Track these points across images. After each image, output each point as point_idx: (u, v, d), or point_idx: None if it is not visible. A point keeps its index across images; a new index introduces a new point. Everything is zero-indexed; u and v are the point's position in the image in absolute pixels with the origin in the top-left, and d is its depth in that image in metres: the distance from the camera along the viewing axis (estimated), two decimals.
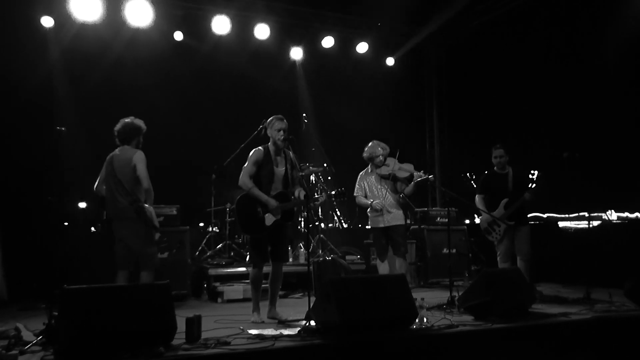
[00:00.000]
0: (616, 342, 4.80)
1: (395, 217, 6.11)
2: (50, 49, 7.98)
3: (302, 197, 5.06)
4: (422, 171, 6.15)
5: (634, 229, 8.21)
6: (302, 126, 7.74)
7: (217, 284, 6.64)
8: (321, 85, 9.73)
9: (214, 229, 7.69)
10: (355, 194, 6.29)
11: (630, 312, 5.30)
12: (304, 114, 7.67)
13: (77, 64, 8.12)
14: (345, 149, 9.32)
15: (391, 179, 6.08)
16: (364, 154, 6.27)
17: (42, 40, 7.94)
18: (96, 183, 5.30)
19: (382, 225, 6.10)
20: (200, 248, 7.60)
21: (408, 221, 7.96)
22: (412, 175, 6.06)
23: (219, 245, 7.54)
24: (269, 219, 5.01)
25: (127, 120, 5.31)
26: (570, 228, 9.24)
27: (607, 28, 8.14)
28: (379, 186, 6.16)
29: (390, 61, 10.50)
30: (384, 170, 6.13)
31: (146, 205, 5.12)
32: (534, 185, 6.30)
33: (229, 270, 6.88)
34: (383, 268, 6.06)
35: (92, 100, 8.00)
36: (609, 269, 6.77)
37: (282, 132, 5.06)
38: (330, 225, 9.25)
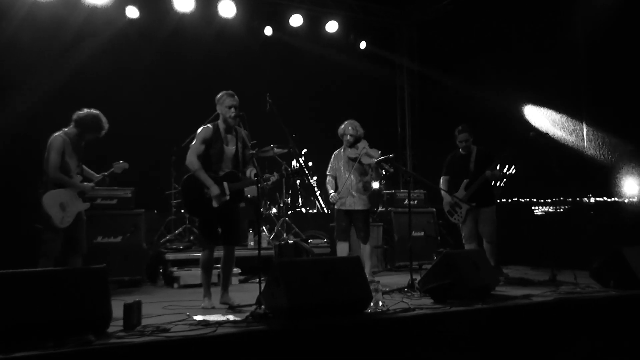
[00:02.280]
0: (578, 323, 4.68)
1: (358, 202, 6.02)
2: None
3: (252, 177, 4.84)
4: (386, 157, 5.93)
5: (602, 211, 8.14)
6: (266, 106, 7.45)
7: (174, 268, 6.41)
8: (289, 65, 9.45)
9: (172, 213, 7.42)
10: (327, 173, 6.22)
11: (594, 293, 5.20)
12: (267, 94, 7.38)
13: (31, 43, 7.72)
14: (313, 130, 9.11)
15: (357, 163, 5.91)
16: (338, 131, 6.17)
17: None
18: None
19: (344, 208, 6.04)
20: (159, 232, 7.35)
21: (377, 208, 7.86)
22: (376, 162, 5.86)
23: (179, 229, 7.29)
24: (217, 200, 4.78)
25: (95, 112, 5.18)
26: (537, 212, 9.14)
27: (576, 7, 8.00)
28: (346, 167, 6.05)
29: (362, 44, 10.25)
30: (352, 153, 6.00)
31: (46, 194, 4.95)
32: (496, 162, 6.16)
33: (186, 254, 6.65)
34: (341, 248, 6.00)
35: (47, 82, 7.59)
36: (576, 251, 6.69)
37: (232, 109, 4.81)
38: (313, 210, 9.07)
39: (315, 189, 8.98)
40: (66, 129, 5.14)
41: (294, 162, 8.05)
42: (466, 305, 4.48)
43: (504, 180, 6.42)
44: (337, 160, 6.18)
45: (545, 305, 4.76)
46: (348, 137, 6.03)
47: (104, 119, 5.18)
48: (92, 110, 5.18)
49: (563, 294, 5.12)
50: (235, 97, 4.88)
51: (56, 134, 5.09)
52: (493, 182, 6.34)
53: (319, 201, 9.03)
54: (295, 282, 3.98)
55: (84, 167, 5.33)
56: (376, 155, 5.89)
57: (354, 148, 6.02)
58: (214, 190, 4.74)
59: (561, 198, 8.07)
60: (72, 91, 7.64)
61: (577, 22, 8.02)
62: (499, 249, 6.31)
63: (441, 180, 6.58)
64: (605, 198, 8.37)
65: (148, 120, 7.92)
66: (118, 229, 6.29)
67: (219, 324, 3.83)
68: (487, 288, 5.12)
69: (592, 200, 8.77)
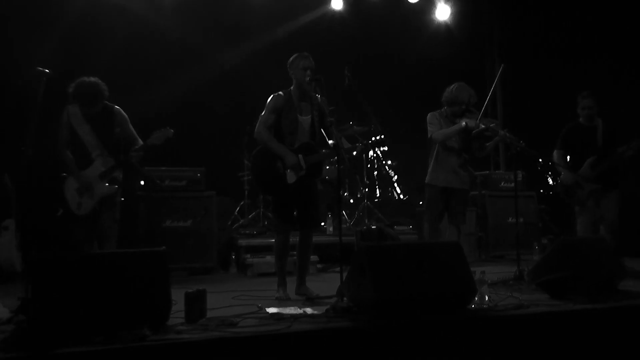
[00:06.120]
0: None
1: (460, 179, 5.04)
2: None
3: (342, 145, 4.14)
4: (506, 130, 5.02)
5: None
6: (344, 81, 6.82)
7: (248, 255, 5.93)
8: (366, 39, 8.73)
9: (245, 197, 6.93)
10: (431, 133, 5.05)
11: None
12: (346, 67, 6.73)
13: (103, 14, 7.36)
14: (391, 110, 8.36)
15: (475, 134, 4.94)
16: (445, 94, 5.10)
17: None
18: None
19: (442, 184, 5.03)
20: (232, 217, 6.91)
21: None
22: (497, 136, 4.95)
23: (252, 214, 6.81)
24: (292, 176, 4.19)
25: (88, 81, 4.61)
26: None
27: None
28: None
29: (443, 13, 9.32)
30: (472, 121, 4.90)
31: (69, 177, 4.59)
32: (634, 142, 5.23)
33: (260, 240, 6.14)
34: (435, 233, 5.10)
35: (118, 51, 7.23)
36: None
37: (308, 72, 4.21)
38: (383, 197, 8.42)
39: (394, 177, 8.30)
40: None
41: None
42: (593, 303, 3.66)
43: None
44: (440, 123, 5.08)
45: None
46: (463, 106, 5.02)
47: (100, 87, 4.59)
48: (86, 78, 4.61)
49: None
50: (310, 58, 4.29)
51: None
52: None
53: (396, 191, 8.37)
54: (385, 270, 3.35)
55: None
56: (498, 130, 4.93)
57: (465, 118, 4.99)
58: (290, 159, 4.17)
59: None
60: (136, 63, 7.20)
61: None
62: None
63: (555, 155, 5.70)
64: None
65: (217, 96, 7.48)
66: (188, 212, 5.87)
67: (294, 318, 3.27)
68: (613, 282, 4.25)
69: None
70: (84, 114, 4.63)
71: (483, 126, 4.92)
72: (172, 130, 4.63)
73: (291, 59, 4.33)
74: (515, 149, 4.98)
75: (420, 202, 7.55)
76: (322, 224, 6.73)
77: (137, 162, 4.77)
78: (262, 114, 4.30)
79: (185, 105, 7.26)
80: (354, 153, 4.36)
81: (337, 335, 3.00)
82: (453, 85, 5.13)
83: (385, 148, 7.86)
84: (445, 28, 9.34)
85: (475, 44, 9.93)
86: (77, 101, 4.60)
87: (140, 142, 4.76)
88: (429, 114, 5.18)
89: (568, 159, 5.67)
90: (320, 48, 7.89)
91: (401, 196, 8.44)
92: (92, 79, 4.60)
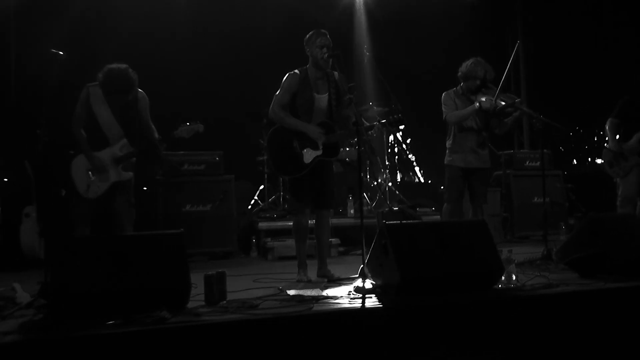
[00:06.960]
0: None
1: (481, 159, 4.95)
2: None
3: (362, 123, 4.04)
4: (525, 105, 4.95)
5: None
6: (363, 60, 6.72)
7: (268, 239, 5.88)
8: (383, 22, 8.52)
9: (265, 181, 6.85)
10: (445, 114, 4.95)
11: None
12: (365, 46, 6.63)
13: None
14: (411, 90, 8.18)
15: (492, 112, 4.78)
16: (461, 69, 4.98)
17: None
18: None
19: (462, 164, 4.93)
20: (252, 201, 6.86)
21: None
22: (515, 108, 4.79)
23: (272, 197, 6.74)
24: (308, 155, 4.10)
25: (121, 67, 4.29)
26: None
27: None
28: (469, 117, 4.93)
29: None
30: (486, 101, 4.73)
31: (78, 156, 4.38)
32: None
33: (281, 224, 6.06)
34: (453, 212, 4.99)
35: (130, 32, 7.13)
36: None
37: (325, 49, 4.09)
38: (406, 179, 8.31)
39: (414, 162, 8.19)
40: None
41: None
42: (625, 281, 3.53)
43: None
44: (455, 103, 4.98)
45: None
46: (478, 82, 4.88)
47: (131, 76, 4.25)
48: (115, 67, 4.24)
49: None
50: (327, 35, 4.17)
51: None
52: None
53: (417, 175, 8.26)
54: (409, 249, 3.27)
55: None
56: (514, 99, 4.79)
57: (481, 94, 4.84)
58: (312, 130, 4.07)
59: None
60: (151, 45, 7.07)
61: None
62: None
63: (608, 122, 5.51)
64: None
65: (235, 81, 7.38)
66: (207, 196, 5.83)
67: (315, 299, 3.20)
68: None
69: None
70: (109, 98, 4.35)
71: (502, 103, 4.77)
72: (202, 125, 4.41)
73: (307, 36, 4.22)
74: (538, 125, 4.83)
75: (442, 187, 7.43)
76: (345, 208, 6.66)
77: (162, 153, 4.67)
78: (277, 93, 4.21)
79: (202, 88, 7.18)
80: (371, 132, 4.24)
81: (360, 316, 2.93)
82: (470, 60, 4.99)
83: (403, 127, 7.76)
84: (468, 5, 9.10)
85: (499, 21, 9.67)
86: (106, 90, 4.28)
87: (154, 128, 4.53)
88: (443, 94, 5.07)
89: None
90: (340, 27, 7.78)
91: (421, 179, 8.33)
92: (122, 66, 4.26)
